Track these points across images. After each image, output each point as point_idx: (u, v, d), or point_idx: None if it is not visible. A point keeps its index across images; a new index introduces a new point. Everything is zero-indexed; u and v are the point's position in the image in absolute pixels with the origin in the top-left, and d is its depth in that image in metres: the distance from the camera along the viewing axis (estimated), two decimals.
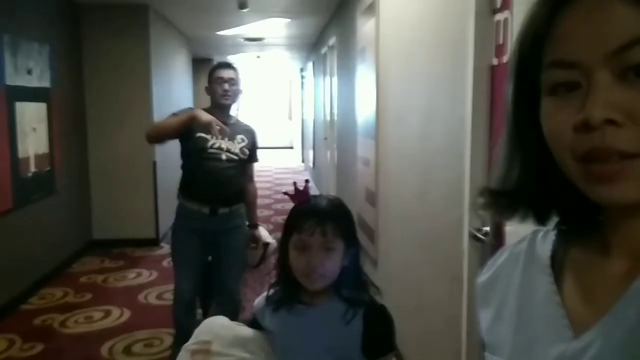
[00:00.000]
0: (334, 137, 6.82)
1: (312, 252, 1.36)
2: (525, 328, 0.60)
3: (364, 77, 4.24)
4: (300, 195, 1.44)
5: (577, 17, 0.50)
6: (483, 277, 0.69)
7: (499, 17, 1.89)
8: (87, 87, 5.82)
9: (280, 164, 13.58)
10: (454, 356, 2.19)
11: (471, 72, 2.00)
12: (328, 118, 7.37)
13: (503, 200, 0.61)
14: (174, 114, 2.99)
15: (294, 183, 1.51)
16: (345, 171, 5.62)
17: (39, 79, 4.65)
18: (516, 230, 1.70)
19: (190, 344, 1.44)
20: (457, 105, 2.14)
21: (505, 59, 1.83)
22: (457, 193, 2.13)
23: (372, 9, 3.82)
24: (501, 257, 0.68)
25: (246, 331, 1.48)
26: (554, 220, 0.63)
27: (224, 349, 1.40)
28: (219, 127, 2.80)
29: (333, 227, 1.37)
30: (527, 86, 0.56)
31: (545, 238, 0.63)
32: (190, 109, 3.14)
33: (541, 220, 0.62)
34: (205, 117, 2.81)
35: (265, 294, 1.49)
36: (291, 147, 17.24)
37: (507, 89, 0.60)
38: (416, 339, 2.79)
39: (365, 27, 4.19)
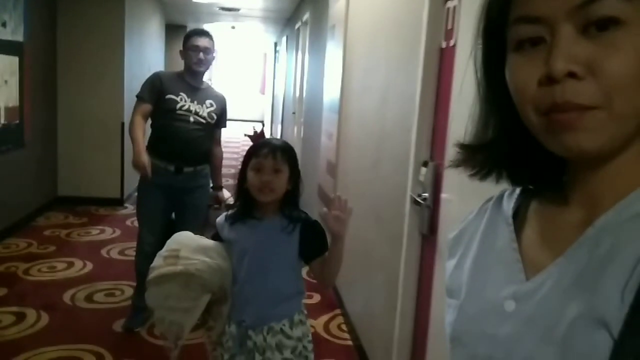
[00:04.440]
0: (301, 112, 6.97)
1: (265, 171, 1.77)
2: (481, 272, 0.64)
3: (333, 54, 4.41)
4: (258, 136, 1.88)
5: None
6: (453, 232, 0.73)
7: (450, 4, 2.08)
8: (60, 44, 5.83)
9: (245, 138, 13.62)
10: (391, 310, 2.44)
11: (422, 54, 2.20)
12: (297, 93, 7.50)
13: (478, 157, 0.64)
14: (138, 97, 3.14)
15: (253, 127, 1.89)
16: (310, 145, 5.81)
17: (13, 32, 4.67)
18: (451, 197, 1.93)
19: (162, 252, 1.80)
20: (410, 83, 2.34)
21: (452, 42, 2.04)
22: (404, 162, 2.35)
23: None
24: (471, 214, 0.72)
25: (208, 241, 1.88)
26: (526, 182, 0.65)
27: (190, 254, 1.77)
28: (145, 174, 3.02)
29: (281, 154, 1.80)
30: (496, 45, 0.58)
31: (511, 196, 0.66)
32: (156, 74, 3.25)
33: (515, 180, 0.65)
34: (139, 162, 3.01)
35: (225, 213, 1.89)
36: (261, 121, 17.31)
37: (477, 48, 0.62)
38: (361, 297, 3.04)
39: (336, 5, 4.35)
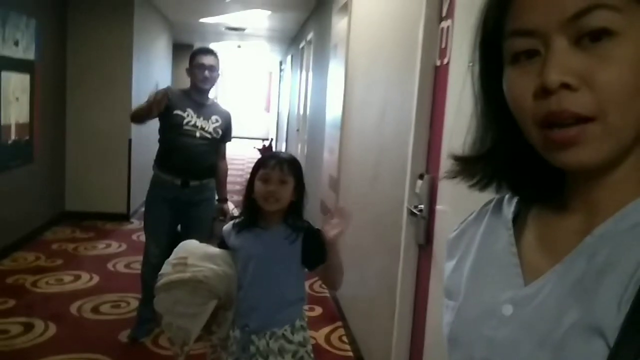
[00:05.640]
0: (305, 129, 7.08)
1: (271, 182, 1.88)
2: (480, 275, 0.64)
3: (335, 73, 4.52)
4: (266, 149, 1.95)
5: None
6: (453, 234, 0.73)
7: (444, 24, 2.19)
8: (69, 62, 5.98)
9: (254, 154, 13.78)
10: (389, 319, 2.50)
11: (418, 71, 2.30)
12: (301, 111, 7.62)
13: (477, 167, 0.64)
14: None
15: (263, 141, 1.99)
16: (313, 161, 5.91)
17: (25, 51, 4.82)
18: (445, 208, 2.02)
19: (170, 259, 1.90)
20: (406, 100, 2.44)
21: (446, 60, 2.14)
22: (401, 175, 2.44)
23: (345, 8, 4.11)
24: (470, 216, 0.72)
25: (214, 249, 1.98)
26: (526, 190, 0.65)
27: (198, 262, 1.87)
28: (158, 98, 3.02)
29: (287, 167, 1.92)
30: (492, 58, 0.58)
31: (511, 200, 0.66)
32: (168, 87, 3.37)
33: (515, 189, 0.65)
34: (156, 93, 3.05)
35: (232, 222, 2.00)
36: (266, 139, 17.44)
37: (474, 63, 0.63)
38: (361, 308, 3.11)
39: (339, 24, 4.48)
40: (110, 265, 4.70)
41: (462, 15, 1.96)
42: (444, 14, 2.21)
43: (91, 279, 4.33)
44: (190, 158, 3.21)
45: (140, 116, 3.22)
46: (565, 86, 0.49)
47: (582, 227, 0.56)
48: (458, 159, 0.65)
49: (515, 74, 0.54)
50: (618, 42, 0.48)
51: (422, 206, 2.23)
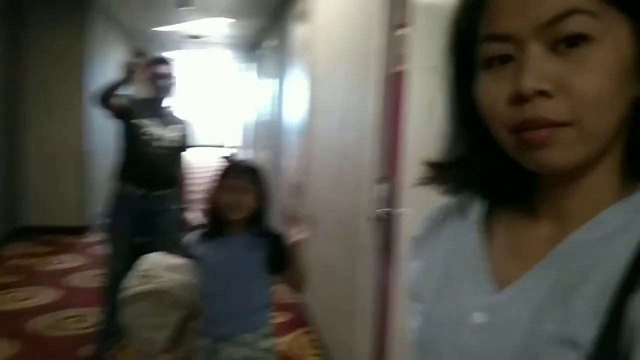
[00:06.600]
0: (268, 136, 7.08)
1: (235, 191, 1.89)
2: (449, 279, 0.62)
3: (296, 79, 4.55)
4: (230, 158, 2.05)
5: None
6: (418, 232, 0.72)
7: (401, 32, 2.24)
8: (24, 72, 5.83)
9: (216, 162, 13.64)
10: (350, 316, 2.54)
11: (377, 78, 2.34)
12: (265, 118, 7.62)
13: (449, 174, 0.63)
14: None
15: (227, 150, 2.05)
16: (276, 168, 5.92)
17: None
18: (406, 212, 2.06)
19: (134, 272, 1.90)
20: (366, 106, 2.48)
21: (403, 67, 2.18)
22: (363, 180, 2.48)
23: (305, 16, 4.14)
24: (436, 214, 0.70)
25: (178, 260, 1.99)
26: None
27: (162, 272, 1.89)
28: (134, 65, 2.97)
29: (251, 175, 1.94)
30: (464, 62, 0.57)
31: (477, 201, 0.65)
32: (126, 96, 3.32)
33: (487, 194, 0.64)
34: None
35: (196, 232, 2.00)
36: (226, 146, 17.33)
37: (445, 67, 0.61)
38: (327, 312, 3.13)
39: (298, 32, 4.51)
40: (69, 280, 4.60)
41: (419, 23, 2.01)
42: (401, 22, 2.26)
43: (51, 294, 4.23)
44: (153, 168, 3.18)
45: (110, 89, 3.11)
46: (541, 93, 0.48)
47: (553, 234, 0.55)
48: (431, 165, 0.64)
49: (488, 79, 0.53)
50: (594, 48, 0.48)
51: (383, 210, 2.27)
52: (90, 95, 3.19)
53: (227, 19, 7.25)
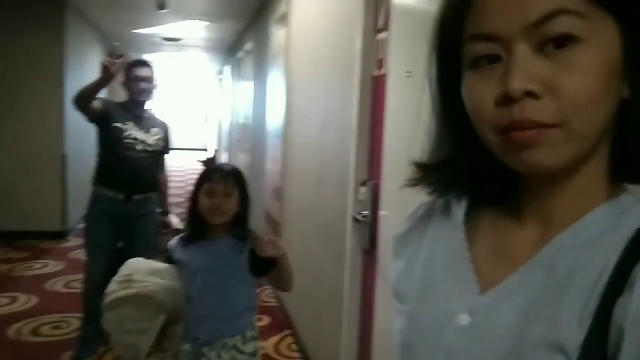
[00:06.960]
0: (247, 139, 7.06)
1: (216, 195, 1.89)
2: (433, 279, 0.62)
3: (276, 82, 4.55)
4: (210, 162, 2.03)
5: None
6: (400, 230, 0.71)
7: (381, 36, 2.27)
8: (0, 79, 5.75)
9: (195, 165, 13.60)
10: (337, 326, 2.55)
11: (357, 81, 2.37)
12: (242, 121, 7.60)
13: (435, 175, 0.63)
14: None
15: (203, 151, 2.03)
16: (256, 171, 5.91)
17: None
18: (388, 214, 2.08)
19: (116, 277, 1.88)
20: (347, 108, 2.50)
21: (383, 71, 2.21)
22: (345, 183, 2.50)
23: (284, 19, 4.15)
24: (418, 212, 0.70)
25: (160, 264, 1.97)
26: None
27: (144, 277, 1.87)
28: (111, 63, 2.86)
29: (232, 179, 1.93)
30: (450, 61, 0.56)
31: (459, 201, 0.64)
32: (104, 99, 3.29)
33: (474, 195, 0.64)
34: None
35: (177, 236, 2.00)
36: (206, 149, 17.25)
37: (430, 67, 0.60)
38: (309, 315, 3.14)
39: (278, 35, 4.52)
40: (48, 285, 4.53)
41: (398, 27, 2.03)
42: (380, 26, 2.29)
43: (29, 300, 4.16)
44: (134, 172, 3.16)
45: (89, 91, 3.03)
46: (529, 94, 0.48)
47: (538, 236, 0.55)
48: (419, 166, 0.64)
49: (475, 80, 0.52)
50: (582, 49, 0.47)
51: (365, 212, 2.29)
52: (71, 99, 3.13)
53: (203, 21, 7.22)
